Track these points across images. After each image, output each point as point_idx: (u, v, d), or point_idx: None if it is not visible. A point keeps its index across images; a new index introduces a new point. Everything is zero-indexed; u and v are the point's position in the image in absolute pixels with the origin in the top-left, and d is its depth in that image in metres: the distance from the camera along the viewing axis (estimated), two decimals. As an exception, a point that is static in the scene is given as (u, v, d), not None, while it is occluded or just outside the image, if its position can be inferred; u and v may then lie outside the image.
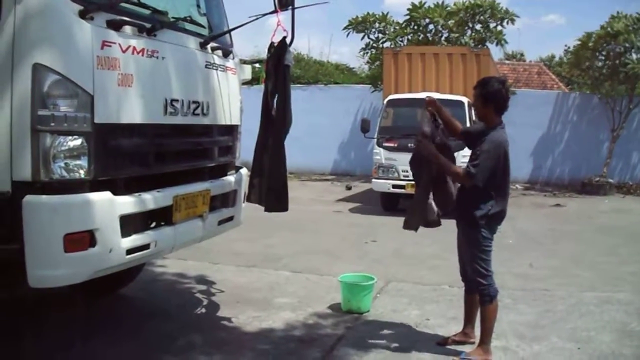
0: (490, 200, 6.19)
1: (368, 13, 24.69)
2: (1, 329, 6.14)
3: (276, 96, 6.36)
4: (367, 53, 25.98)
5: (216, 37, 6.60)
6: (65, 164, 4.65)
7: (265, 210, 6.49)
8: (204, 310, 7.80)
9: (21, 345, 6.07)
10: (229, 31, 6.92)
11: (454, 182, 6.48)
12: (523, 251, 11.53)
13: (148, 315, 7.51)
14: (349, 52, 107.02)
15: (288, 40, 6.26)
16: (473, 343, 6.57)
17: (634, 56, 22.30)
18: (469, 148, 6.55)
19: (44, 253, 4.57)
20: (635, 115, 23.43)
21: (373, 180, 16.68)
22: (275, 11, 6.18)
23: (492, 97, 6.20)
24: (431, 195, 6.64)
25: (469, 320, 6.74)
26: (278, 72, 6.27)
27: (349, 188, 21.43)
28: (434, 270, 9.97)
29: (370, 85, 25.72)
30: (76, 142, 4.68)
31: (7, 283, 4.99)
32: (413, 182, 15.13)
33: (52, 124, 4.55)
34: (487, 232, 6.24)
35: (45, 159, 4.55)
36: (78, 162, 4.71)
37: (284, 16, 6.33)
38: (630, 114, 22.95)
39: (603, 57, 23.48)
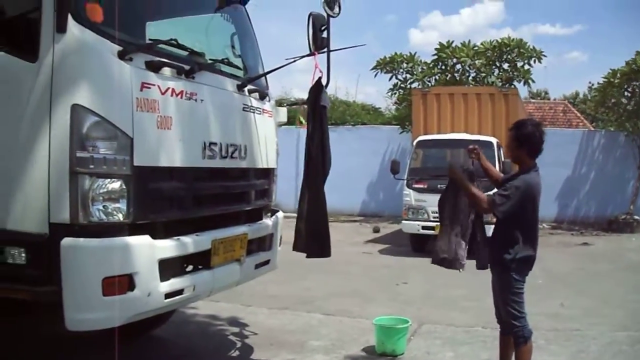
0: (518, 243, 6.10)
1: (396, 53, 24.78)
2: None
3: (314, 139, 6.28)
4: (395, 93, 26.04)
5: (254, 80, 6.61)
6: (104, 206, 4.61)
7: (308, 257, 6.33)
8: (237, 352, 7.71)
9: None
10: (267, 73, 6.91)
11: (476, 208, 6.38)
12: (553, 291, 11.38)
13: (180, 358, 7.46)
14: (375, 92, 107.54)
15: (324, 81, 6.20)
16: None
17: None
18: None
19: (81, 296, 4.54)
20: (661, 153, 23.20)
21: (403, 221, 16.60)
22: (312, 54, 6.15)
23: (526, 139, 6.14)
24: (455, 237, 6.54)
25: None
26: (315, 113, 6.22)
27: (376, 231, 21.25)
28: (465, 312, 9.85)
29: (398, 126, 25.73)
30: (115, 185, 4.65)
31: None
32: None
33: (91, 166, 4.53)
34: (517, 275, 6.16)
35: (84, 201, 4.52)
36: (117, 205, 4.68)
37: (319, 57, 6.31)
38: (657, 150, 22.71)
39: (629, 94, 23.38)
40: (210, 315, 9.02)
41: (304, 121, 7.37)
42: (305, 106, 6.74)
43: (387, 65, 24.77)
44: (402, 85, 25.25)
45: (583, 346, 8.08)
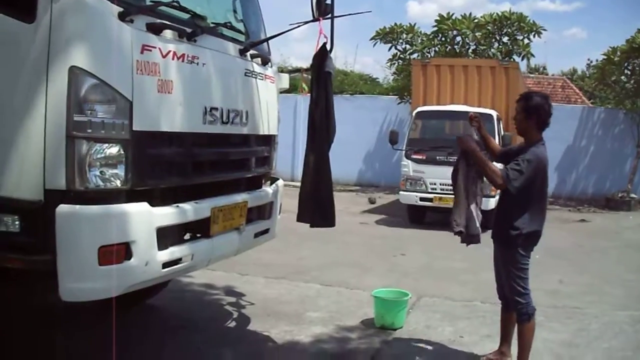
0: (525, 218, 6.01)
1: (396, 24, 24.57)
2: (28, 337, 5.99)
3: (318, 105, 6.09)
4: (394, 64, 25.85)
5: (256, 44, 6.42)
6: (101, 172, 4.43)
7: (311, 226, 6.15)
8: (234, 323, 7.62)
9: (47, 355, 5.93)
10: (270, 38, 6.72)
11: (489, 181, 6.20)
12: (551, 267, 11.25)
13: (176, 327, 7.33)
14: (372, 62, 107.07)
15: (328, 47, 6.03)
16: None
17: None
18: None
19: (77, 265, 4.38)
20: (660, 131, 23.12)
21: (400, 192, 16.48)
22: (316, 19, 5.97)
23: (535, 110, 6.04)
24: (473, 209, 6.38)
25: (505, 339, 6.55)
26: (319, 80, 6.03)
27: (372, 202, 21.14)
28: (465, 286, 9.78)
29: (396, 97, 25.60)
30: (113, 150, 4.47)
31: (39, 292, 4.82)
32: (441, 195, 15.23)
33: (89, 131, 4.34)
34: (523, 250, 6.08)
35: (81, 167, 4.34)
36: (115, 171, 4.50)
37: (323, 24, 6.14)
38: (656, 129, 22.66)
39: (629, 72, 23.24)
40: (206, 284, 8.91)
41: (306, 88, 7.21)
42: (306, 74, 6.60)
43: (387, 35, 24.57)
44: (401, 55, 25.09)
45: (583, 324, 8.02)
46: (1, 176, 4.45)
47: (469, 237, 6.40)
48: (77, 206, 4.33)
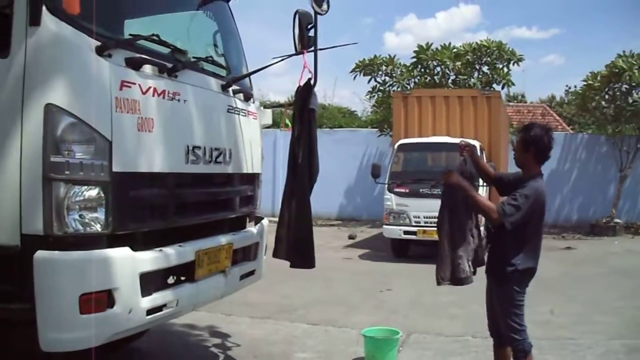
0: (520, 254, 5.79)
1: (375, 56, 24.49)
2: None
3: (301, 143, 5.90)
4: (374, 96, 25.72)
5: (239, 79, 6.28)
6: (81, 216, 4.24)
7: (291, 266, 6.01)
8: (220, 366, 7.34)
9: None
10: (254, 72, 6.58)
11: (483, 217, 5.93)
12: (541, 297, 11.01)
13: (162, 371, 7.06)
14: (349, 95, 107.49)
15: (312, 82, 5.86)
16: None
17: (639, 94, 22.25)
18: (501, 195, 6.26)
19: (57, 315, 4.18)
20: (642, 155, 23.25)
21: (384, 226, 16.29)
22: (300, 52, 5.81)
23: (534, 142, 5.82)
24: (461, 251, 6.16)
25: None
26: (302, 117, 5.87)
27: (352, 237, 20.84)
28: (454, 320, 9.60)
29: (376, 129, 25.52)
30: (93, 192, 4.28)
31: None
32: (425, 229, 15.11)
33: (67, 172, 4.16)
34: (518, 287, 5.85)
35: (59, 210, 4.15)
36: (94, 214, 4.31)
37: (307, 57, 5.98)
38: (638, 153, 22.73)
39: (609, 97, 23.24)
40: (190, 325, 8.64)
41: (289, 123, 7.05)
42: (289, 109, 6.44)
43: (366, 67, 24.46)
44: (381, 88, 24.98)
45: (578, 356, 7.87)
46: None
47: (458, 281, 6.21)
48: (57, 252, 4.14)
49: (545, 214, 5.96)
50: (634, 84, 21.83)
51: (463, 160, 6.26)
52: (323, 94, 39.20)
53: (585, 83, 23.16)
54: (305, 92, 5.83)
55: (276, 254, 6.03)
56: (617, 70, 21.55)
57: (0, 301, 4.26)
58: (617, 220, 22.52)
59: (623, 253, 18.15)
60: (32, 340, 4.19)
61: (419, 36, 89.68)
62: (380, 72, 24.71)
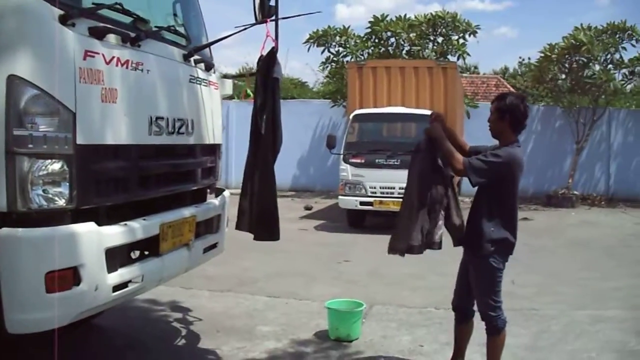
0: (493, 224, 5.73)
1: (329, 26, 24.35)
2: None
3: (264, 113, 5.77)
4: (327, 67, 25.59)
5: (202, 49, 6.14)
6: (44, 191, 4.09)
7: (255, 239, 5.89)
8: (183, 341, 7.26)
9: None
10: (216, 42, 6.40)
11: (449, 165, 5.77)
12: None
13: (125, 348, 6.98)
14: (300, 66, 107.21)
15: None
16: None
17: (597, 67, 22.49)
18: None
19: (23, 295, 4.02)
20: (598, 128, 23.70)
21: (340, 197, 16.24)
22: (264, 21, 5.68)
23: (509, 111, 5.74)
24: (420, 220, 5.91)
25: (459, 352, 6.29)
26: (266, 86, 5.74)
27: (308, 209, 20.77)
28: (416, 292, 9.60)
29: (329, 100, 25.39)
30: (56, 166, 4.13)
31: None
32: (381, 199, 15.08)
33: (30, 146, 3.99)
34: (496, 261, 5.75)
35: (23, 186, 3.99)
36: (58, 189, 4.15)
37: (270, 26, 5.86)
38: (594, 125, 23.08)
39: (566, 69, 23.41)
40: (150, 300, 8.50)
41: (251, 93, 6.93)
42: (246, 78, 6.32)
43: (320, 38, 24.29)
44: (334, 59, 24.81)
45: (544, 326, 7.93)
46: None
47: (420, 247, 5.93)
48: (20, 229, 3.98)
49: (518, 185, 5.86)
50: (591, 57, 22.04)
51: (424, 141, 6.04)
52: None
53: (542, 54, 23.29)
54: (269, 61, 5.70)
55: (239, 227, 5.92)
56: (577, 43, 21.71)
57: None
58: (574, 192, 22.88)
59: (580, 224, 18.43)
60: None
61: (370, 7, 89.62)
62: (334, 43, 24.56)
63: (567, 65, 23.15)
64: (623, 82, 23.34)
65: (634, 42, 22.14)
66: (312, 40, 24.39)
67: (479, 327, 6.06)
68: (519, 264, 11.64)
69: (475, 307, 6.02)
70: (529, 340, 7.33)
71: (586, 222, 18.93)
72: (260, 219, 5.79)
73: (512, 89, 38.66)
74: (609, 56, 22.42)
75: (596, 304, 9.10)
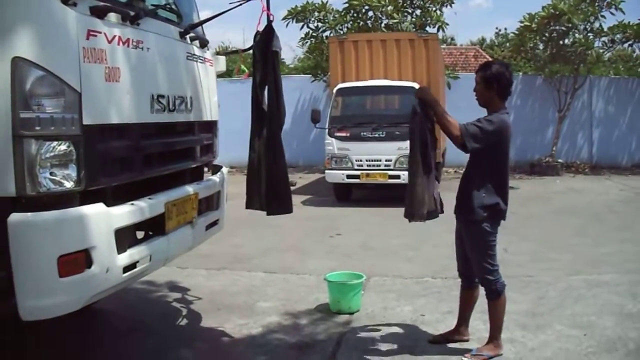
0: (484, 189, 5.81)
1: (307, 2, 24.10)
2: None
3: (266, 88, 5.74)
4: (306, 43, 25.44)
5: (197, 25, 6.10)
6: (53, 173, 4.03)
7: (268, 214, 5.89)
8: (185, 321, 7.26)
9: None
10: (210, 19, 6.31)
11: (445, 132, 5.78)
12: None
13: (128, 330, 6.96)
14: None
15: (262, 26, 5.71)
16: (467, 341, 6.29)
17: (577, 36, 22.57)
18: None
19: (36, 280, 3.98)
20: (580, 96, 23.83)
21: (326, 171, 16.21)
22: (255, -5, 5.67)
23: (496, 79, 5.80)
24: (430, 183, 5.91)
25: (463, 319, 6.37)
26: (266, 60, 5.71)
27: (292, 185, 20.64)
28: (411, 262, 9.65)
29: (310, 75, 25.27)
30: (64, 147, 4.07)
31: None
32: (368, 172, 15.06)
33: (37, 128, 3.93)
34: (489, 226, 5.84)
35: (31, 169, 3.93)
36: (66, 171, 4.10)
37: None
38: (575, 94, 23.18)
39: (546, 38, 23.44)
40: (147, 282, 8.42)
41: (245, 69, 6.85)
42: (240, 54, 6.30)
43: (299, 14, 24.10)
44: (313, 34, 24.66)
45: (541, 292, 7.98)
46: None
47: (432, 213, 5.96)
48: (31, 214, 3.93)
49: (509, 152, 5.93)
50: (571, 26, 22.09)
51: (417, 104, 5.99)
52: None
53: (522, 24, 23.27)
54: (267, 34, 5.68)
55: (249, 205, 5.91)
56: (556, 12, 21.73)
57: None
58: (559, 160, 23.05)
59: (567, 191, 18.59)
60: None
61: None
62: (312, 19, 24.41)
63: (547, 34, 23.15)
64: (603, 50, 23.40)
65: (613, 10, 22.11)
66: (290, 17, 24.20)
67: (480, 294, 6.12)
68: (509, 232, 11.75)
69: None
70: (528, 307, 7.37)
71: (572, 189, 19.06)
72: (273, 194, 5.80)
73: (491, 60, 38.81)
74: (588, 25, 22.41)
75: (590, 269, 9.19)
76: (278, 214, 5.84)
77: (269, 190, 5.77)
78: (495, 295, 5.92)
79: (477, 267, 5.97)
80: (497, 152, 5.80)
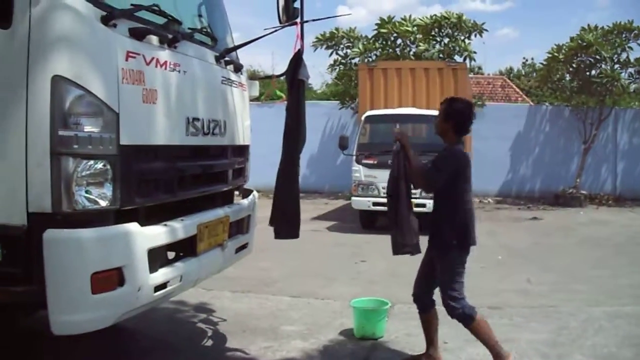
0: (451, 217, 6.07)
1: (336, 29, 24.29)
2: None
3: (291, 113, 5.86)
4: (335, 69, 25.57)
5: (233, 50, 6.20)
6: (89, 192, 4.11)
7: (275, 237, 6.02)
8: (210, 342, 7.28)
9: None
10: (246, 44, 6.41)
11: (412, 180, 6.19)
12: (515, 267, 11.40)
13: (152, 349, 7.02)
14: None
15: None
16: None
17: (604, 67, 22.46)
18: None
19: (68, 296, 4.05)
20: (604, 128, 23.73)
21: (353, 198, 16.25)
22: (294, 23, 5.76)
23: (454, 115, 6.11)
24: (412, 217, 6.21)
25: (430, 342, 6.55)
26: (292, 87, 5.83)
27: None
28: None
29: (338, 102, 25.44)
30: (101, 166, 4.15)
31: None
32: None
33: (75, 146, 4.01)
34: (459, 256, 6.10)
35: (68, 187, 4.00)
36: (102, 190, 4.18)
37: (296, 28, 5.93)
38: (601, 125, 23.12)
39: (573, 69, 23.45)
40: (172, 301, 8.42)
41: (281, 94, 6.96)
42: (272, 80, 6.39)
43: (327, 41, 24.26)
44: (342, 61, 24.79)
45: (562, 323, 7.94)
46: None
47: (414, 247, 6.25)
48: (66, 230, 4.00)
49: (469, 181, 6.16)
50: (598, 57, 22.08)
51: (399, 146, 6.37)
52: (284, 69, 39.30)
53: (549, 55, 23.33)
54: (296, 62, 5.78)
55: (270, 222, 6.02)
56: (584, 43, 21.76)
57: (5, 284, 4.11)
58: (582, 191, 22.88)
59: (590, 223, 18.43)
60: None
61: (371, 10, 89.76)
62: (341, 45, 24.54)
63: (574, 65, 23.17)
64: (629, 81, 23.36)
65: (640, 41, 22.09)
66: (319, 43, 24.33)
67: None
68: (532, 262, 11.90)
69: (433, 297, 6.47)
70: (549, 337, 7.37)
71: (595, 221, 18.93)
72: (282, 216, 5.91)
73: (518, 89, 38.88)
74: (615, 56, 22.37)
75: (611, 300, 9.15)
76: (285, 238, 5.99)
77: (279, 214, 5.90)
78: (470, 321, 6.09)
79: (443, 295, 6.20)
80: (456, 182, 6.04)
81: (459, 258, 6.08)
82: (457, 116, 6.08)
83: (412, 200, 6.26)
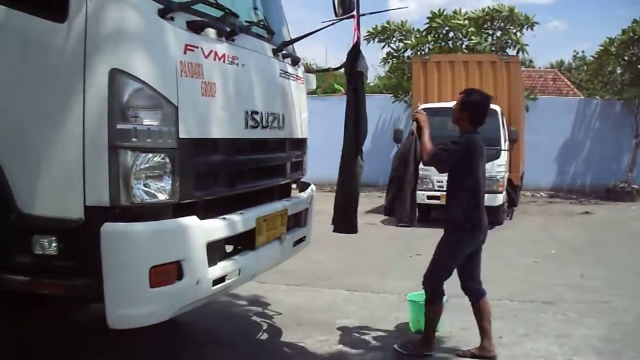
0: (459, 204, 6.27)
1: (388, 22, 24.29)
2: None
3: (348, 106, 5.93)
4: (388, 62, 25.51)
5: (290, 43, 6.18)
6: (147, 185, 4.09)
7: (334, 231, 6.11)
8: (265, 335, 7.28)
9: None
10: (304, 37, 6.37)
11: (424, 160, 6.50)
12: (568, 261, 11.28)
13: (207, 343, 7.02)
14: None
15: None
16: (493, 358, 6.51)
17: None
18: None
19: (127, 289, 4.04)
20: (656, 121, 23.26)
21: (407, 191, 16.12)
22: (351, 16, 5.74)
23: (471, 105, 6.33)
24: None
25: (485, 334, 6.63)
26: (350, 79, 5.87)
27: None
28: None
29: (391, 95, 25.36)
30: (160, 160, 4.13)
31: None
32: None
33: (134, 140, 3.99)
34: (459, 239, 6.35)
35: (126, 180, 3.98)
36: (161, 183, 4.16)
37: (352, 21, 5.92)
38: (654, 119, 22.73)
39: (625, 63, 23.16)
40: (227, 295, 8.43)
41: (340, 88, 6.97)
42: (330, 73, 6.38)
43: (380, 34, 24.21)
44: (395, 54, 24.71)
45: (617, 318, 7.88)
46: (35, 193, 4.12)
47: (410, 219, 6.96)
48: (124, 224, 3.99)
49: (479, 170, 6.31)
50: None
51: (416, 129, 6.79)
52: (337, 62, 39.44)
53: (601, 48, 23.05)
54: (354, 55, 5.78)
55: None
56: (636, 36, 21.46)
57: (62, 278, 4.14)
58: (634, 185, 22.64)
59: (642, 218, 18.17)
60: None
61: (421, 3, 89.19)
62: (394, 39, 24.46)
63: (626, 58, 22.87)
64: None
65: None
66: (372, 36, 24.29)
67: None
68: (584, 257, 11.81)
69: (484, 286, 6.70)
70: (603, 332, 7.30)
71: (647, 215, 18.71)
72: (341, 210, 5.99)
73: (569, 83, 38.41)
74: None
75: (666, 294, 9.05)
76: (342, 232, 6.16)
77: (338, 207, 5.99)
78: (430, 301, 6.48)
79: (429, 266, 6.54)
80: (466, 169, 6.19)
81: (459, 244, 6.37)
82: (474, 107, 6.30)
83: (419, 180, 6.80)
